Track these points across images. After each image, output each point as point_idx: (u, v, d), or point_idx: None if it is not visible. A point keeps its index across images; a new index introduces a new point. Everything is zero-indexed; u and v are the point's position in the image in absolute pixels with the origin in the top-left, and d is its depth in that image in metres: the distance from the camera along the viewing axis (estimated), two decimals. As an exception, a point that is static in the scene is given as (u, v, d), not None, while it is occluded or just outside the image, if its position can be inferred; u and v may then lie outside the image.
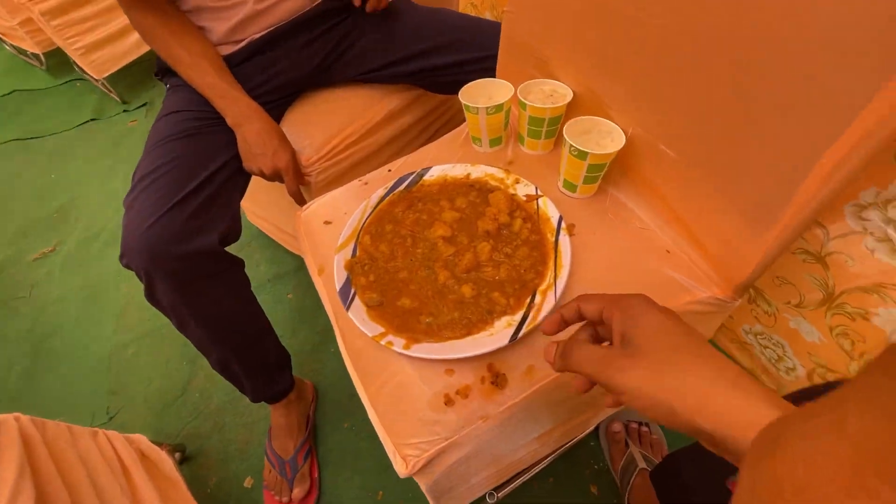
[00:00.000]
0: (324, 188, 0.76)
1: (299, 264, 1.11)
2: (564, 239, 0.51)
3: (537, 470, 0.71)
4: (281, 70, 0.74)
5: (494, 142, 0.63)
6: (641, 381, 0.24)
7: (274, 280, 1.11)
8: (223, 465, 0.85)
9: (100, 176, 1.55)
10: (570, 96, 0.57)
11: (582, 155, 0.50)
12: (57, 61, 1.98)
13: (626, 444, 0.76)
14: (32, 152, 1.71)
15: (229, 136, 0.68)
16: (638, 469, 0.72)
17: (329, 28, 0.77)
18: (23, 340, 1.11)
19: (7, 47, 2.13)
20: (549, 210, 0.54)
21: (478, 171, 0.60)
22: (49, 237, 1.36)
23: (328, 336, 0.98)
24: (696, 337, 0.26)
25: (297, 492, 0.78)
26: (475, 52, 0.75)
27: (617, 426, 0.77)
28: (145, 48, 1.75)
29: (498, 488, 0.67)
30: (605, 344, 0.32)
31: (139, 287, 0.60)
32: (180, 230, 0.58)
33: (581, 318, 0.32)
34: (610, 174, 0.55)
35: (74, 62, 1.73)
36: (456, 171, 0.61)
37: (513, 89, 0.59)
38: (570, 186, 0.56)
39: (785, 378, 0.71)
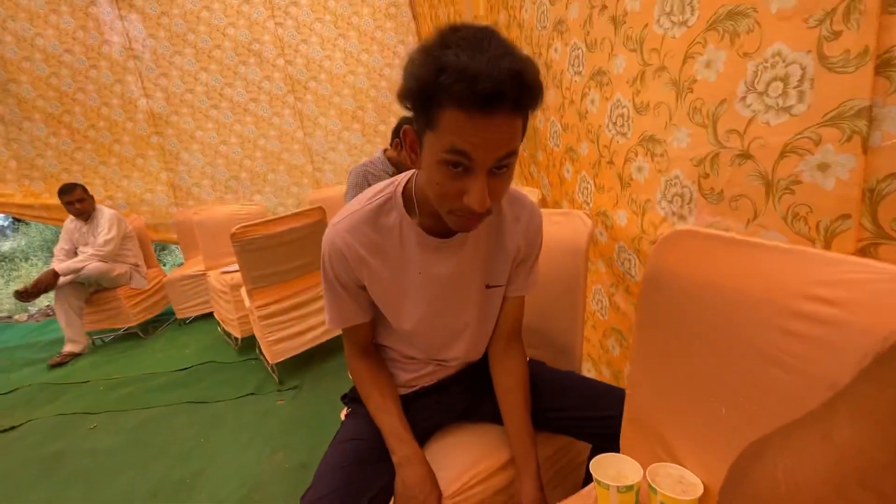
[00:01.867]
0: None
1: None
2: None
3: None
4: (438, 411, 0.91)
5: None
6: None
7: None
8: None
9: (237, 448, 1.74)
10: (700, 489, 0.60)
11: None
12: (247, 343, 2.57)
13: None
14: (196, 415, 2.04)
15: (390, 468, 0.79)
16: None
17: (485, 375, 0.96)
18: None
19: (219, 329, 2.87)
20: None
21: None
22: (180, 500, 1.47)
23: None
24: None
25: None
26: (602, 411, 0.86)
27: None
28: (317, 343, 2.24)
29: None
30: None
31: None
32: None
33: None
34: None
35: (259, 346, 2.25)
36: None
37: (641, 470, 0.65)
38: None
39: None
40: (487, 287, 0.84)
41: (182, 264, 3.48)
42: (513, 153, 0.60)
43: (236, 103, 3.55)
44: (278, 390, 2.14)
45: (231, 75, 3.50)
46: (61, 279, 2.71)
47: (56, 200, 2.96)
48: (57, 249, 2.93)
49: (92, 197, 2.89)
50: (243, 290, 2.25)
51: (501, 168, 0.60)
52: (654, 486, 0.61)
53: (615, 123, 0.91)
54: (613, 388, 0.90)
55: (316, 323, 2.25)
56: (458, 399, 0.94)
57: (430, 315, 0.82)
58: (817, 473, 0.13)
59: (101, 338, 3.10)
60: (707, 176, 0.73)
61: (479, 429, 0.94)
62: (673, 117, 0.77)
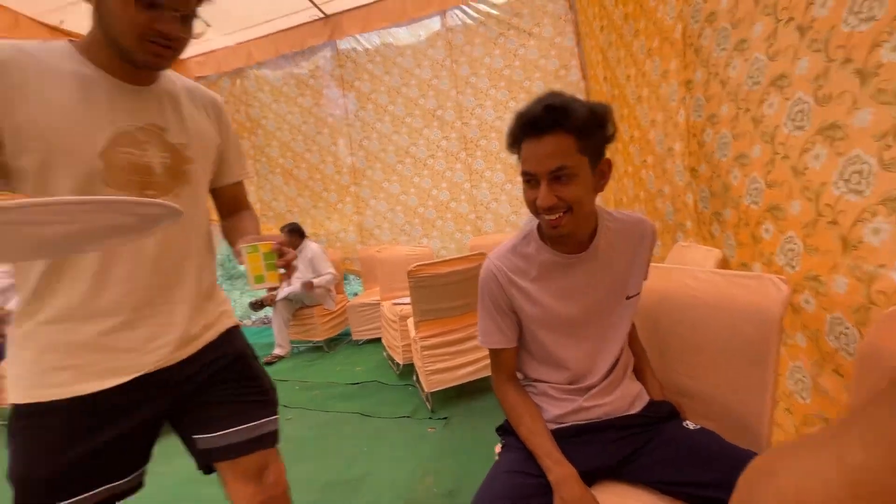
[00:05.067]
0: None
1: None
2: None
3: None
4: (588, 455, 0.90)
5: None
6: None
7: None
8: None
9: (393, 463, 1.93)
10: None
11: None
12: (406, 369, 2.85)
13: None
14: (363, 426, 2.32)
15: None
16: None
17: (637, 433, 0.93)
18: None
19: (384, 353, 3.24)
20: None
21: None
22: (345, 498, 1.70)
23: None
24: None
25: None
26: None
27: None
28: (468, 379, 2.37)
29: None
30: None
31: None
32: None
33: None
34: None
35: (416, 374, 2.47)
36: None
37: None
38: None
39: None
40: (627, 298, 0.97)
41: (361, 294, 4.07)
42: (563, 167, 0.80)
43: (418, 159, 4.13)
44: (430, 418, 2.31)
45: (416, 136, 4.11)
46: (278, 301, 3.46)
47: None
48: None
49: (297, 237, 3.58)
50: (410, 321, 2.53)
51: (561, 177, 0.81)
52: None
53: (847, 181, 0.83)
54: None
55: (471, 360, 2.39)
56: (611, 447, 0.92)
57: (571, 323, 0.95)
58: (830, 495, 0.13)
59: (296, 347, 3.79)
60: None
61: (635, 492, 0.89)
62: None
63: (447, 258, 2.34)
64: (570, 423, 0.95)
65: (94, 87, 0.72)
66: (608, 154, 0.86)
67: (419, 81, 4.02)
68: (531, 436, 0.91)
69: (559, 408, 0.96)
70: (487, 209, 3.98)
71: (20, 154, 0.66)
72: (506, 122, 3.80)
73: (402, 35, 4.00)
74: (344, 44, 4.11)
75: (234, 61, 4.29)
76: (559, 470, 0.83)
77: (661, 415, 0.96)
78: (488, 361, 2.41)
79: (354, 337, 3.65)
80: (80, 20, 3.27)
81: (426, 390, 2.36)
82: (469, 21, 3.81)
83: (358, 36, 4.07)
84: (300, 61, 4.25)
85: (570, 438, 0.93)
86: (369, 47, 4.08)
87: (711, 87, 1.33)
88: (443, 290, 2.31)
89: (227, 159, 0.96)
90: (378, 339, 3.47)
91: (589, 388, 0.96)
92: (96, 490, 0.75)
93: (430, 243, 4.11)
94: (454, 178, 4.05)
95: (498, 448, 1.04)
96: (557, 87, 3.74)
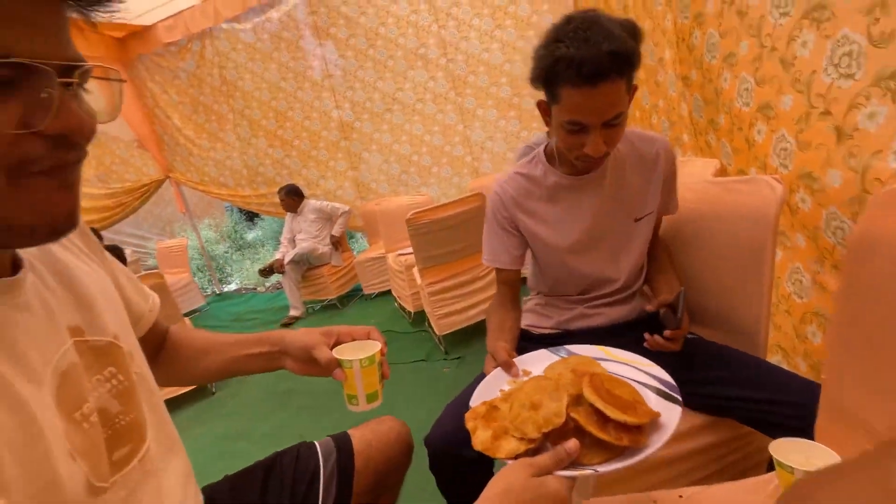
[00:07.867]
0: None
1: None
2: None
3: None
4: None
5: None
6: None
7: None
8: None
9: (413, 403, 2.03)
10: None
11: None
12: (418, 316, 2.92)
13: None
14: (381, 373, 2.42)
15: None
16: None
17: (635, 339, 0.95)
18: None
19: (396, 304, 3.31)
20: None
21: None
22: (369, 439, 1.80)
23: None
24: None
25: None
26: (786, 397, 0.76)
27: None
28: (479, 318, 2.43)
29: None
30: None
31: None
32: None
33: None
34: None
35: (428, 320, 2.53)
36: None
37: (835, 457, 0.58)
38: None
39: None
40: (636, 220, 0.96)
41: (366, 249, 4.10)
42: (619, 114, 0.77)
43: (406, 105, 3.97)
44: (444, 359, 2.40)
45: (401, 80, 3.92)
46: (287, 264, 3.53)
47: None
48: (282, 239, 3.80)
49: (296, 199, 3.68)
50: (415, 270, 2.55)
51: (613, 124, 0.78)
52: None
53: (837, 65, 0.77)
54: (803, 378, 0.80)
55: (478, 301, 2.43)
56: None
57: (579, 243, 0.96)
58: None
59: (311, 307, 3.88)
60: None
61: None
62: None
63: (445, 202, 2.31)
64: (572, 328, 1.00)
65: None
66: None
67: (396, 19, 3.78)
68: (491, 334, 0.94)
69: (562, 315, 1.02)
70: (483, 149, 3.87)
71: None
72: (493, 53, 3.61)
73: (374, -32, 3.72)
74: (314, -14, 3.84)
75: (203, 21, 4.05)
76: (494, 344, 0.83)
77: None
78: (494, 299, 2.43)
79: (366, 291, 3.72)
80: None
81: (438, 333, 2.43)
82: (443, -57, 3.50)
83: (328, -25, 3.79)
84: (270, 12, 4.00)
85: (570, 337, 0.97)
86: (341, -13, 3.81)
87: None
88: (443, 235, 2.30)
89: None
90: (389, 291, 3.54)
91: (595, 299, 1.00)
92: None
93: (428, 191, 4.06)
94: (446, 121, 3.91)
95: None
96: (545, 8, 3.50)
